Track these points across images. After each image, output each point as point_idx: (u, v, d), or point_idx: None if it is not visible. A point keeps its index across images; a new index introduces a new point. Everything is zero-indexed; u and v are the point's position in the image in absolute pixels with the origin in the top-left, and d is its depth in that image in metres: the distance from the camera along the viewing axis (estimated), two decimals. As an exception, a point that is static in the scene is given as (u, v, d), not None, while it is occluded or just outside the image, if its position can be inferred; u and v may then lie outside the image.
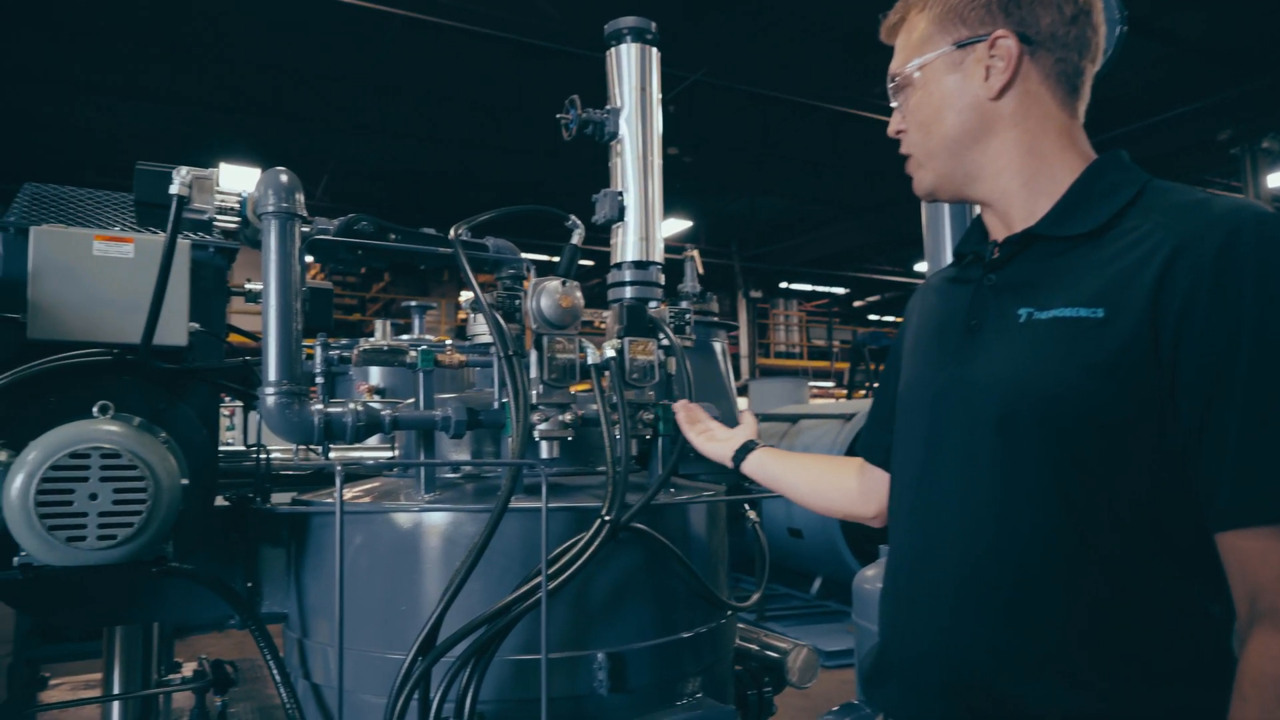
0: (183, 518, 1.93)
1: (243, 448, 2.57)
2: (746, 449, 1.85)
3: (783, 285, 21.61)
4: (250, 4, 8.57)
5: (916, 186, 1.31)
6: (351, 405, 1.82)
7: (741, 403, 10.68)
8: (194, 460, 2.04)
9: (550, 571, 1.69)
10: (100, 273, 1.99)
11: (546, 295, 1.90)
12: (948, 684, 1.13)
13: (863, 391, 15.12)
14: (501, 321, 1.88)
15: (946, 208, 3.28)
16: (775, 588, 8.94)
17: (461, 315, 20.68)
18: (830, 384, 20.82)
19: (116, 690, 2.36)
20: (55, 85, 9.72)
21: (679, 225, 14.40)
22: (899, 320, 25.56)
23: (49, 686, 5.56)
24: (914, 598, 1.20)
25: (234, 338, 2.67)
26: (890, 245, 17.47)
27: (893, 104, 1.32)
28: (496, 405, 1.97)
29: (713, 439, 1.95)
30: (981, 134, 1.20)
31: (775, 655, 2.42)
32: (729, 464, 1.86)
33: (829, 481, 1.66)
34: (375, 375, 4.54)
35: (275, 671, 1.93)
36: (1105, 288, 1.06)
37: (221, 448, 2.38)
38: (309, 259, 2.16)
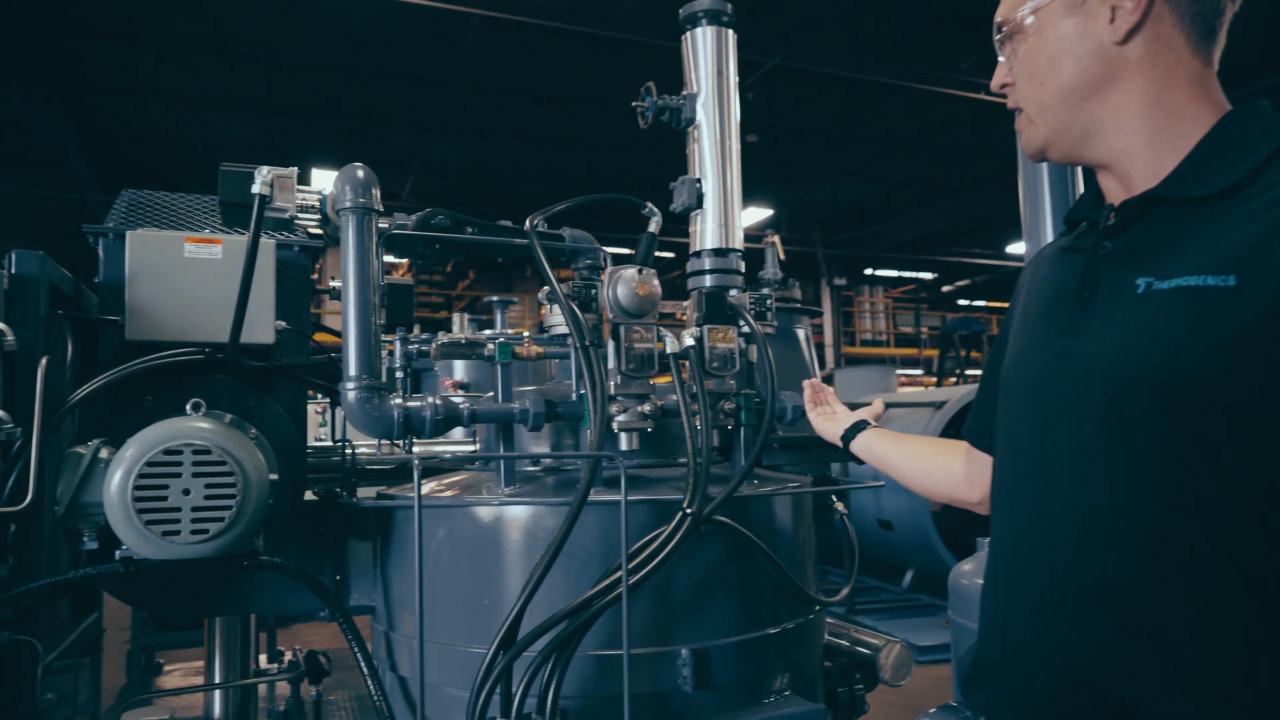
0: (272, 512, 1.98)
1: (331, 443, 2.61)
2: (857, 429, 1.80)
3: (868, 271, 21.16)
4: (337, 14, 8.81)
5: (1026, 144, 1.20)
6: (430, 399, 1.82)
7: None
8: (283, 455, 2.09)
9: (631, 566, 1.66)
10: (191, 274, 2.04)
11: (623, 283, 1.86)
12: (1049, 685, 1.06)
13: (953, 379, 14.68)
14: (577, 311, 1.86)
15: (1046, 180, 3.10)
16: (865, 580, 8.76)
17: (544, 311, 20.82)
18: (919, 371, 20.29)
19: (217, 678, 2.44)
20: (157, 99, 10.20)
21: (759, 214, 14.21)
22: (990, 305, 24.99)
23: (163, 672, 5.85)
24: (1015, 592, 1.12)
25: (322, 336, 2.73)
26: (981, 227, 16.90)
27: (1000, 56, 1.21)
28: (574, 397, 1.95)
29: (831, 419, 1.91)
30: (1103, 84, 1.09)
31: (867, 651, 2.34)
32: (839, 443, 1.81)
33: (935, 464, 1.58)
34: (460, 370, 4.62)
35: (362, 663, 1.95)
36: (1237, 252, 0.95)
37: (313, 443, 2.44)
38: (392, 258, 2.18)
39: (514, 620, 1.60)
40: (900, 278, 22.48)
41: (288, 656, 2.61)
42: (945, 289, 23.67)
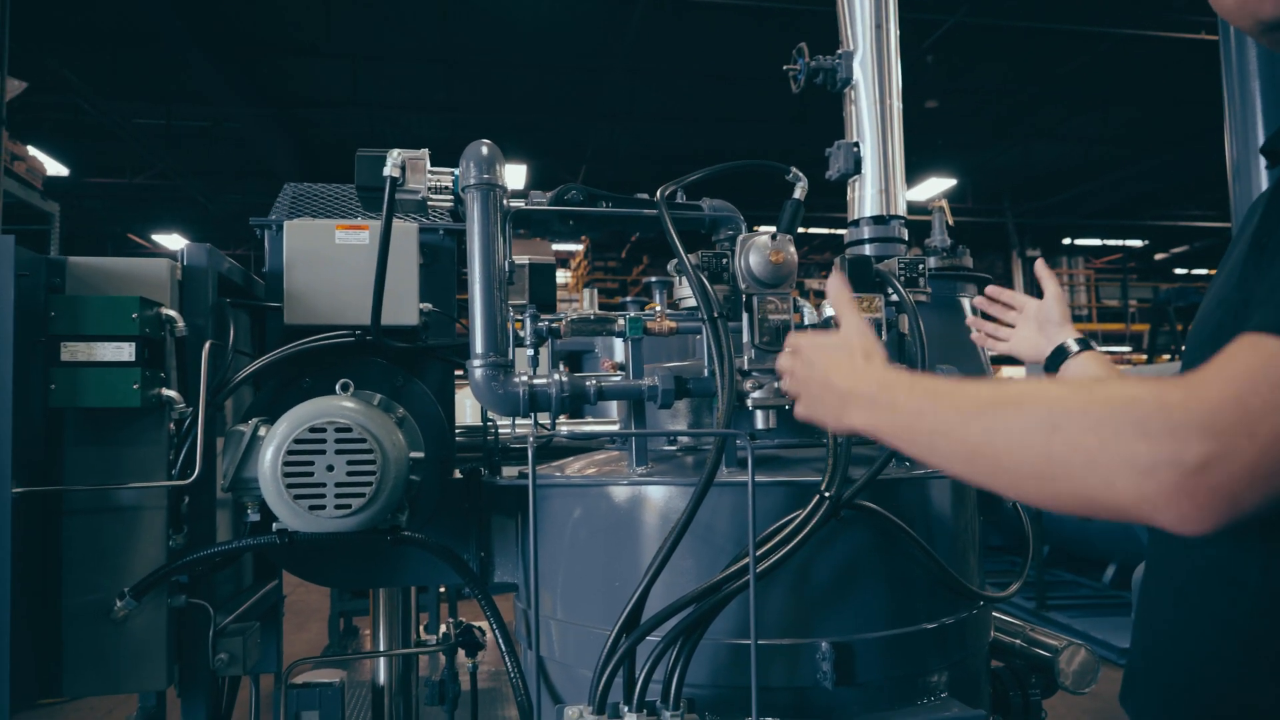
0: (418, 489, 2.03)
1: (479, 423, 2.66)
2: (1063, 353, 1.59)
3: (1066, 241, 19.58)
4: (505, 8, 9.09)
5: (1237, 9, 0.98)
6: (556, 376, 1.79)
7: (1015, 371, 9.73)
8: (429, 434, 2.13)
9: (761, 552, 1.57)
10: (342, 260, 2.12)
11: (755, 251, 1.76)
12: (1186, 685, 0.98)
13: (1167, 356, 13.32)
14: (705, 281, 1.77)
15: (1258, 104, 2.69)
16: (1059, 574, 8.11)
17: (676, 282, 20.69)
18: (1127, 349, 18.57)
19: (382, 646, 2.56)
20: (353, 107, 10.96)
21: (942, 184, 13.43)
22: (1212, 274, 22.37)
23: (359, 636, 6.29)
24: (1152, 580, 1.05)
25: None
26: (1199, 186, 15.18)
27: None
28: (707, 373, 1.88)
29: (1026, 335, 1.73)
30: None
31: (1045, 654, 2.11)
32: (1040, 363, 1.63)
33: None
34: (619, 351, 4.62)
35: (500, 641, 1.97)
36: None
37: (461, 423, 2.49)
38: (536, 238, 2.18)
39: (637, 602, 1.54)
40: (1104, 246, 20.65)
41: (442, 629, 2.71)
42: (1158, 257, 21.52)
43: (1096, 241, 20.02)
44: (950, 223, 3.32)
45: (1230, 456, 0.71)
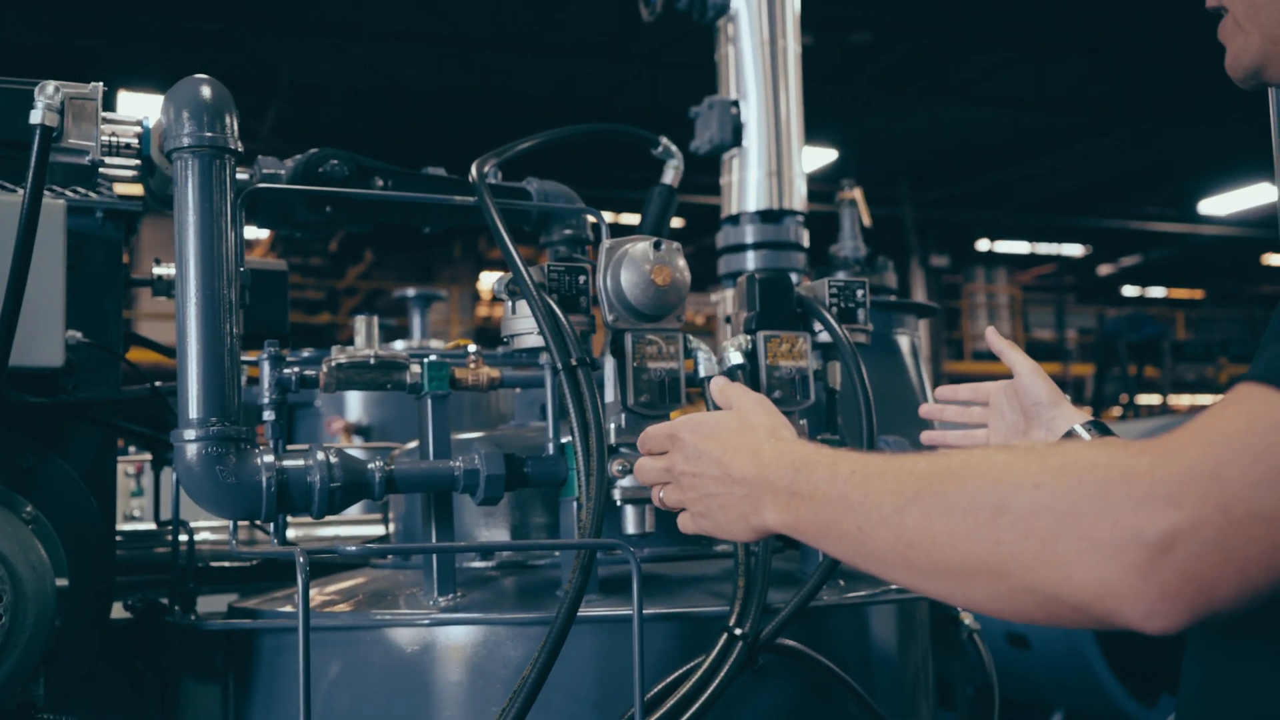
0: (60, 640, 1.93)
1: (154, 526, 2.57)
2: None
3: (983, 245, 21.23)
4: None
5: (1232, 61, 1.26)
6: (321, 456, 1.77)
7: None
8: (76, 549, 2.04)
9: (649, 723, 1.61)
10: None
11: (630, 267, 1.82)
12: None
13: (1119, 408, 14.67)
14: (558, 311, 1.80)
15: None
16: (983, 729, 8.69)
17: (483, 311, 20.87)
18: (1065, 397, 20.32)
19: None
20: None
21: (816, 157, 14.23)
22: (1173, 296, 24.97)
23: None
24: None
25: (140, 353, 2.67)
26: (1166, 172, 16.95)
27: None
28: (551, 449, 1.91)
29: (996, 434, 1.88)
30: None
31: None
32: None
33: None
34: (354, 406, 4.57)
35: None
36: None
37: (123, 526, 2.39)
38: (252, 229, 2.14)
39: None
40: (1033, 255, 22.55)
41: None
42: (1102, 270, 23.76)
43: (1023, 247, 21.82)
44: (866, 222, 3.57)
45: (1197, 532, 0.84)
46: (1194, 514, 0.84)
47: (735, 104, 2.99)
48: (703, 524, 1.33)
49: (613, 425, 1.85)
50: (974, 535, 0.95)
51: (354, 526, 2.86)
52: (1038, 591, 0.92)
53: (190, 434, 1.72)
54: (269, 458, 1.75)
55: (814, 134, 11.94)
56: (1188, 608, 0.86)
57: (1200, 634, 1.15)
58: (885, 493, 1.04)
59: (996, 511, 0.94)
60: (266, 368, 1.83)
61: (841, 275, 3.48)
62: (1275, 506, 0.84)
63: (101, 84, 1.84)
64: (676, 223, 14.84)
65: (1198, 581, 0.85)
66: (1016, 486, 0.93)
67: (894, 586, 2.10)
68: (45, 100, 1.77)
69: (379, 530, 2.74)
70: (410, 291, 5.70)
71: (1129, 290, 25.07)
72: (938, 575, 1.01)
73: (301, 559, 1.46)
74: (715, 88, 3.10)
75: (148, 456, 2.80)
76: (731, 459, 1.25)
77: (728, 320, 2.70)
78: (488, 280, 19.55)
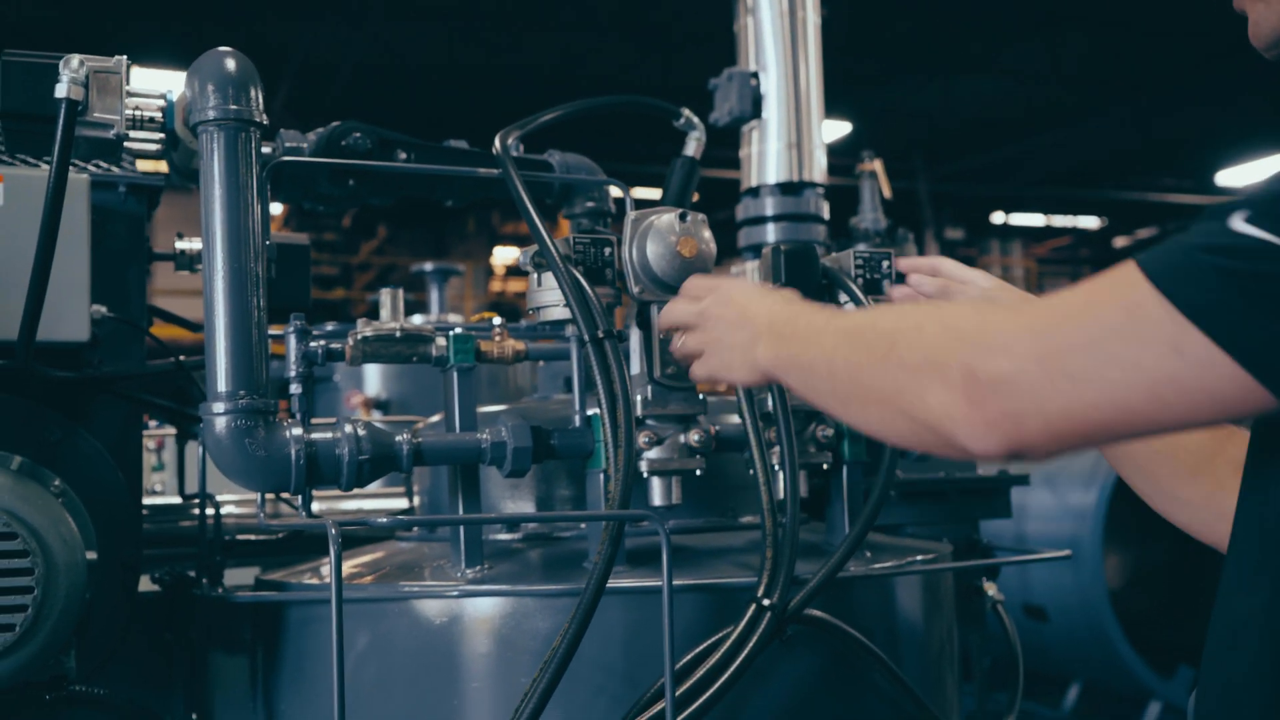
0: (90, 612, 1.95)
1: (179, 500, 2.58)
2: None
3: (997, 218, 21.18)
4: None
5: (1253, 31, 1.28)
6: (349, 428, 1.78)
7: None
8: (104, 522, 2.05)
9: (679, 692, 1.62)
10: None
11: (656, 238, 1.82)
12: None
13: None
14: (584, 283, 1.81)
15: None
16: (999, 699, 8.71)
17: (496, 286, 20.91)
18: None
19: None
20: None
21: (831, 130, 14.19)
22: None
23: None
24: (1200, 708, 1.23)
25: (164, 328, 2.68)
26: (1174, 147, 16.87)
27: None
28: (578, 420, 1.93)
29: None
30: None
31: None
32: None
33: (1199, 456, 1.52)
34: (373, 381, 4.58)
35: None
36: None
37: (147, 500, 2.40)
38: (274, 201, 2.14)
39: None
40: (1048, 227, 22.49)
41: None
42: (1118, 242, 23.69)
43: (1038, 219, 21.77)
44: (887, 194, 3.56)
45: (1018, 378, 1.05)
46: (1018, 364, 1.05)
47: (755, 75, 2.98)
48: (711, 362, 1.56)
49: (639, 397, 1.86)
50: (873, 367, 1.21)
51: (377, 500, 2.87)
52: (908, 414, 1.15)
53: (220, 407, 1.73)
54: (297, 430, 1.77)
55: (829, 107, 11.92)
56: (1004, 437, 1.07)
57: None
58: (830, 334, 1.31)
59: (889, 348, 1.18)
60: (293, 341, 1.83)
61: (862, 247, 3.48)
62: (1082, 370, 1.02)
63: (125, 57, 1.83)
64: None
65: (1013, 418, 1.06)
66: (906, 330, 1.18)
67: (920, 558, 2.11)
68: (70, 74, 1.77)
69: (401, 504, 2.74)
70: (428, 266, 5.71)
71: (1145, 262, 24.99)
72: (852, 401, 1.28)
73: (334, 530, 1.47)
74: (725, 64, 3.08)
75: (169, 431, 2.81)
76: (751, 306, 1.50)
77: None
78: (501, 255, 19.55)
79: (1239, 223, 0.98)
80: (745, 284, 1.59)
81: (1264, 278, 0.95)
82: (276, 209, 18.59)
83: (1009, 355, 1.05)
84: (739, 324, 1.49)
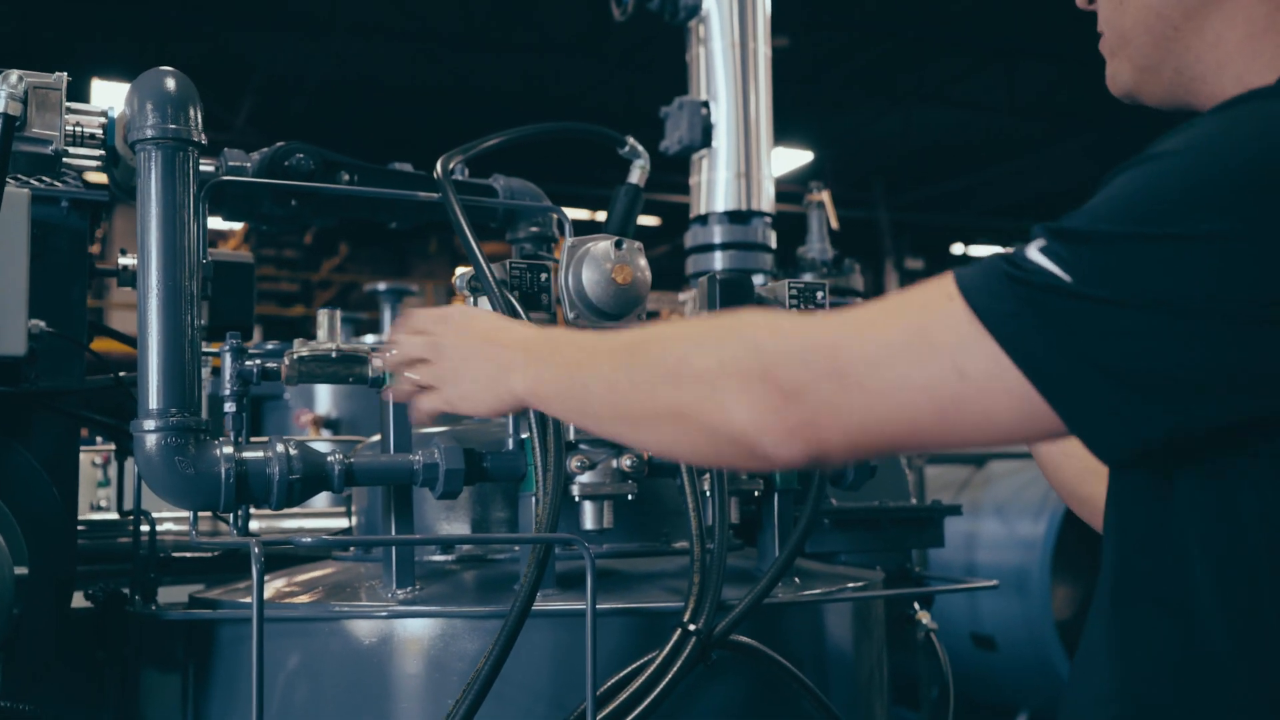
0: (18, 629, 1.93)
1: (117, 516, 2.56)
2: None
3: (958, 249, 21.34)
4: None
5: (1110, 81, 1.36)
6: (280, 448, 1.78)
7: (1006, 465, 10.38)
8: (36, 538, 2.04)
9: (602, 716, 1.63)
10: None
11: (592, 265, 1.84)
12: None
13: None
14: (520, 309, 1.83)
15: None
16: (951, 730, 8.74)
17: (459, 300, 20.70)
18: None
19: None
20: None
21: (791, 158, 14.26)
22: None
23: None
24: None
25: (105, 343, 2.67)
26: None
27: None
28: (511, 444, 1.93)
29: None
30: (1197, 7, 1.19)
31: None
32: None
33: None
34: (324, 399, 4.57)
35: None
36: None
37: (89, 516, 2.38)
38: (220, 220, 2.14)
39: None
40: (1009, 259, 22.70)
41: None
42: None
43: (997, 250, 21.93)
44: (834, 224, 3.59)
45: (817, 388, 1.07)
46: (816, 375, 1.07)
47: (705, 105, 3.01)
48: (448, 394, 1.50)
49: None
50: (663, 382, 1.19)
51: (320, 519, 2.86)
52: (708, 427, 1.14)
53: (150, 424, 1.73)
54: (228, 449, 1.76)
55: (790, 135, 12.00)
56: (805, 445, 1.09)
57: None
58: (605, 354, 1.28)
59: (680, 363, 1.18)
60: (228, 359, 1.83)
61: (808, 276, 3.50)
62: (878, 383, 1.05)
63: (66, 74, 1.84)
64: (652, 221, 14.88)
65: (813, 427, 1.08)
66: (697, 343, 1.19)
67: (850, 585, 2.13)
68: (8, 89, 1.76)
69: (345, 523, 2.74)
70: (381, 286, 5.71)
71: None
72: (642, 421, 1.25)
73: (256, 550, 1.47)
74: (688, 89, 3.11)
75: (113, 446, 2.80)
76: (496, 334, 1.47)
77: (693, 319, 2.72)
78: (460, 274, 19.46)
79: (1034, 251, 1.04)
80: (482, 313, 1.59)
81: (1053, 303, 1.00)
82: (236, 226, 18.48)
83: (807, 366, 1.08)
84: (481, 353, 1.45)
